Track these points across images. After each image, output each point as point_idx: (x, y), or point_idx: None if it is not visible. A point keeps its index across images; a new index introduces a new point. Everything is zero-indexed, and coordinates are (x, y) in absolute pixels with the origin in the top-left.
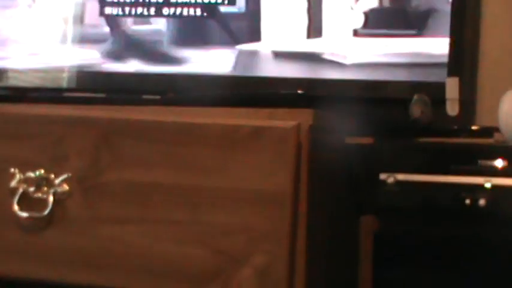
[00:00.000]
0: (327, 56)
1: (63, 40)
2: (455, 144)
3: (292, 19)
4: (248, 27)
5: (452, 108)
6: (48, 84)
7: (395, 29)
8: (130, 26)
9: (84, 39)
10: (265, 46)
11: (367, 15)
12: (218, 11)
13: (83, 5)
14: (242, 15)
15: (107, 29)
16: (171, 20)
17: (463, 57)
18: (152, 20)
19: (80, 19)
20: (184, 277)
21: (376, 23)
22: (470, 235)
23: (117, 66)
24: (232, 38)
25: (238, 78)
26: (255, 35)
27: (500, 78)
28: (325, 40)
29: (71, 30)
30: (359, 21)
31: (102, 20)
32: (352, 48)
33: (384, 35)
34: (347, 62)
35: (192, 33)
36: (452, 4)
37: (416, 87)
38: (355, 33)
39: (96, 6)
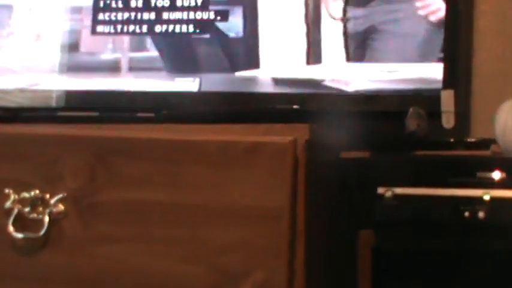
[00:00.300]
0: (328, 83)
1: (59, 69)
2: (453, 157)
3: (291, 44)
4: (246, 52)
5: (447, 121)
6: (39, 103)
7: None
8: (128, 52)
9: (79, 67)
10: (264, 72)
11: None
12: (214, 28)
13: (79, 33)
14: (239, 40)
15: (104, 56)
16: (166, 46)
17: (458, 69)
18: (149, 46)
19: (75, 46)
20: None
21: None
22: (469, 248)
23: (109, 84)
24: (230, 63)
25: (233, 95)
26: (253, 60)
27: (494, 90)
28: (325, 66)
29: (65, 57)
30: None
31: (99, 47)
32: (353, 74)
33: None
34: (349, 89)
35: (188, 59)
36: (446, 18)
37: (411, 100)
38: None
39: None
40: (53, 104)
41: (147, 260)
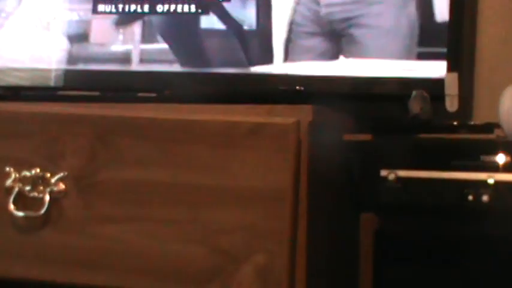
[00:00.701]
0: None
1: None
2: (457, 140)
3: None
4: (259, 46)
5: (451, 104)
6: (39, 83)
7: None
8: (139, 44)
9: (89, 59)
10: (279, 68)
11: None
12: (228, 19)
13: (88, 23)
14: (253, 33)
15: (114, 48)
16: (175, 39)
17: (462, 52)
18: (159, 38)
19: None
20: (184, 276)
21: None
22: (473, 231)
23: (112, 66)
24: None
25: (236, 75)
26: (267, 54)
27: (498, 74)
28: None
29: (75, 48)
30: None
31: (109, 38)
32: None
33: None
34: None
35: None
36: (450, 1)
37: (414, 83)
38: None
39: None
40: (52, 83)
41: (147, 240)
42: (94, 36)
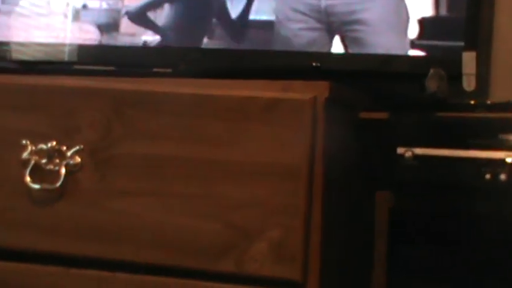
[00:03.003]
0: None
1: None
2: (475, 118)
3: None
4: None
5: (468, 84)
6: (54, 57)
7: None
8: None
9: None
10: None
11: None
12: None
13: (118, 13)
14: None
15: (144, 38)
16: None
17: (478, 32)
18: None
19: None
20: (197, 251)
21: None
22: (490, 210)
23: (127, 39)
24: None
25: (253, 51)
26: None
27: None
28: None
29: (104, 38)
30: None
31: (139, 28)
32: None
33: None
34: None
35: None
36: None
37: (431, 61)
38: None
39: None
40: (66, 58)
41: (161, 214)
42: (124, 27)
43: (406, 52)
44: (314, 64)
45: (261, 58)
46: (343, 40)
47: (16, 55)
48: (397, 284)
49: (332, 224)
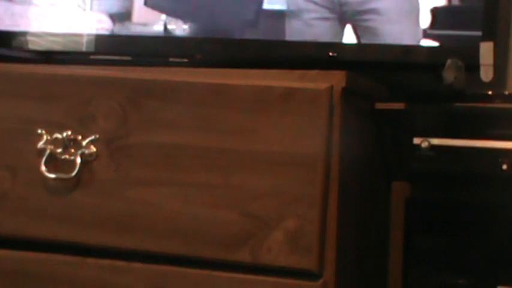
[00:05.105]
0: None
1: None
2: (492, 109)
3: None
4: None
5: (486, 74)
6: (70, 48)
7: None
8: (182, 24)
9: None
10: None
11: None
12: None
13: (131, 2)
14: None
15: (157, 28)
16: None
17: (497, 22)
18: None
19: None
20: (214, 241)
21: None
22: (506, 200)
23: (142, 29)
24: None
25: (268, 42)
26: None
27: None
28: None
29: (117, 28)
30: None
31: (151, 18)
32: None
33: None
34: None
35: None
36: None
37: (448, 52)
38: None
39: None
40: (83, 48)
41: (177, 203)
42: (137, 16)
43: (419, 41)
44: (331, 54)
45: (277, 48)
46: (355, 30)
47: (32, 45)
48: (414, 274)
49: (348, 214)
